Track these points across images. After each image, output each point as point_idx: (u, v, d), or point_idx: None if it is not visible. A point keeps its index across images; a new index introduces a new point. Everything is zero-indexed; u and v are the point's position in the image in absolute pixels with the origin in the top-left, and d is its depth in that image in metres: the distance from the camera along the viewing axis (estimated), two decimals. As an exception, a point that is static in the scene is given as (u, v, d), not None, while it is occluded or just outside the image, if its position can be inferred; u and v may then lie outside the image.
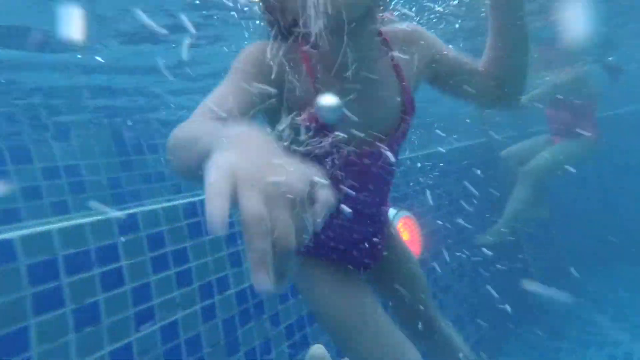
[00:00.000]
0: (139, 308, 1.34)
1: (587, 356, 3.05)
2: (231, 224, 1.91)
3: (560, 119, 3.35)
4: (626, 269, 4.52)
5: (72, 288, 1.14)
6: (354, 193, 0.94)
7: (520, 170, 3.32)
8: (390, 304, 1.25)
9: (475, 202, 3.68)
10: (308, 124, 0.86)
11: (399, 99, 0.92)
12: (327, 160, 0.93)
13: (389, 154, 0.91)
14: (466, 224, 3.46)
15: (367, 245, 1.09)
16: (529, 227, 3.94)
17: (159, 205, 1.49)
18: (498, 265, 3.63)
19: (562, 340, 3.34)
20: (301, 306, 2.16)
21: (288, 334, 2.01)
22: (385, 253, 1.18)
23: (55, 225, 1.12)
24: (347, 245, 1.06)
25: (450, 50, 0.96)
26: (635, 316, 3.50)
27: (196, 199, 1.73)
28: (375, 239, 1.11)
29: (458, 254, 3.28)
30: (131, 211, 1.36)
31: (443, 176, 3.38)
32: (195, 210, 1.69)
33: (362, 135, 0.89)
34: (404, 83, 0.92)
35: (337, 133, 0.87)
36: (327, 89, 0.86)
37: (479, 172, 3.79)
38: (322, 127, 0.87)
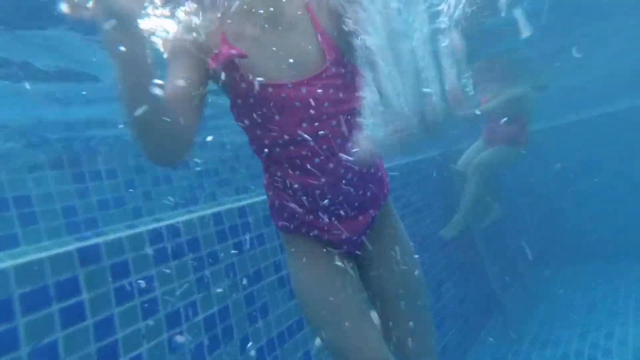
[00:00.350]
0: (101, 343, 1.27)
1: (544, 356, 3.23)
2: (198, 248, 1.87)
3: (500, 129, 3.82)
4: (571, 268, 4.87)
5: (28, 328, 1.06)
6: (276, 127, 0.98)
7: (469, 168, 3.90)
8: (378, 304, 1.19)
9: (436, 210, 3.84)
10: (215, 65, 0.93)
11: (315, 41, 0.97)
12: (247, 96, 0.97)
13: (304, 89, 0.95)
14: (428, 232, 3.59)
15: (337, 215, 1.07)
16: (485, 233, 4.18)
17: (123, 233, 1.44)
18: (458, 272, 3.79)
19: (521, 342, 3.52)
20: (271, 328, 2.14)
21: (259, 356, 1.97)
22: (364, 242, 1.12)
23: (11, 262, 1.04)
24: (316, 205, 1.05)
25: None
26: (583, 314, 3.77)
27: (161, 224, 1.69)
28: (345, 208, 1.07)
29: (422, 262, 3.38)
30: (94, 241, 1.30)
31: (403, 187, 3.51)
32: (161, 236, 1.64)
33: (275, 72, 0.95)
34: (317, 24, 0.97)
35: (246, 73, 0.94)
36: (237, 35, 0.95)
37: (436, 182, 3.98)
38: (230, 65, 0.94)
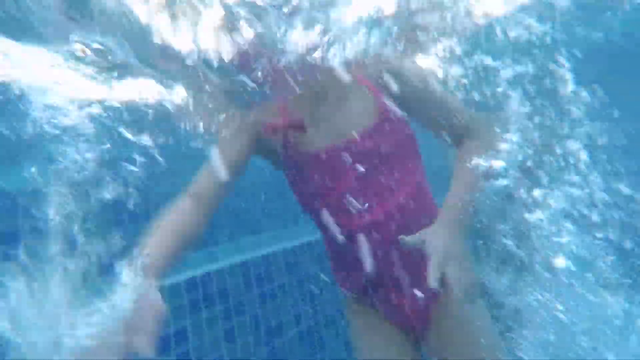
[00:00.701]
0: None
1: None
2: (227, 298, 1.88)
3: None
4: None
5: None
6: (329, 190, 0.99)
7: None
8: None
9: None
10: (275, 129, 0.98)
11: (367, 99, 1.00)
12: (302, 165, 1.01)
13: (354, 147, 0.98)
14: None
15: (387, 281, 1.03)
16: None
17: (165, 282, 1.46)
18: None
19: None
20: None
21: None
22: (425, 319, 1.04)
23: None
24: (358, 270, 1.03)
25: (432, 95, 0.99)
26: None
27: (196, 273, 1.71)
28: (399, 275, 1.02)
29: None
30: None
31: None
32: (196, 285, 1.66)
33: (327, 138, 0.99)
34: (368, 84, 1.01)
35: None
36: (296, 106, 1.01)
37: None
38: (291, 129, 0.99)
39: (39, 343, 0.55)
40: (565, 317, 0.78)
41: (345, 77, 1.01)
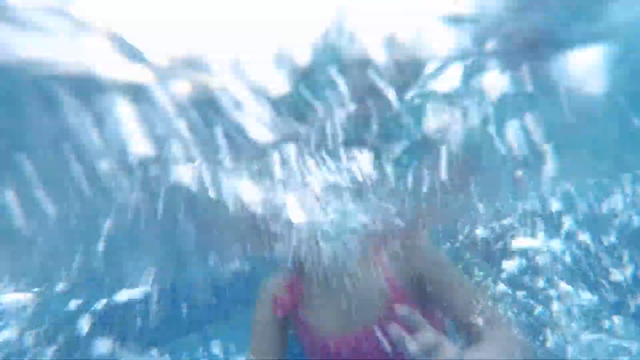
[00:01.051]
0: None
1: None
2: None
3: None
4: None
5: None
6: None
7: None
8: None
9: None
10: (282, 312, 1.00)
11: (383, 290, 0.97)
12: (313, 346, 0.99)
13: (366, 340, 0.94)
14: None
15: None
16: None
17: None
18: None
19: None
20: None
21: None
22: None
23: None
24: None
25: (450, 284, 0.95)
26: None
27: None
28: None
29: None
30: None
31: None
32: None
33: (339, 323, 0.97)
34: (388, 277, 0.98)
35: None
36: (311, 289, 1.03)
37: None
38: (294, 310, 1.01)
39: None
40: None
41: (364, 258, 1.03)
